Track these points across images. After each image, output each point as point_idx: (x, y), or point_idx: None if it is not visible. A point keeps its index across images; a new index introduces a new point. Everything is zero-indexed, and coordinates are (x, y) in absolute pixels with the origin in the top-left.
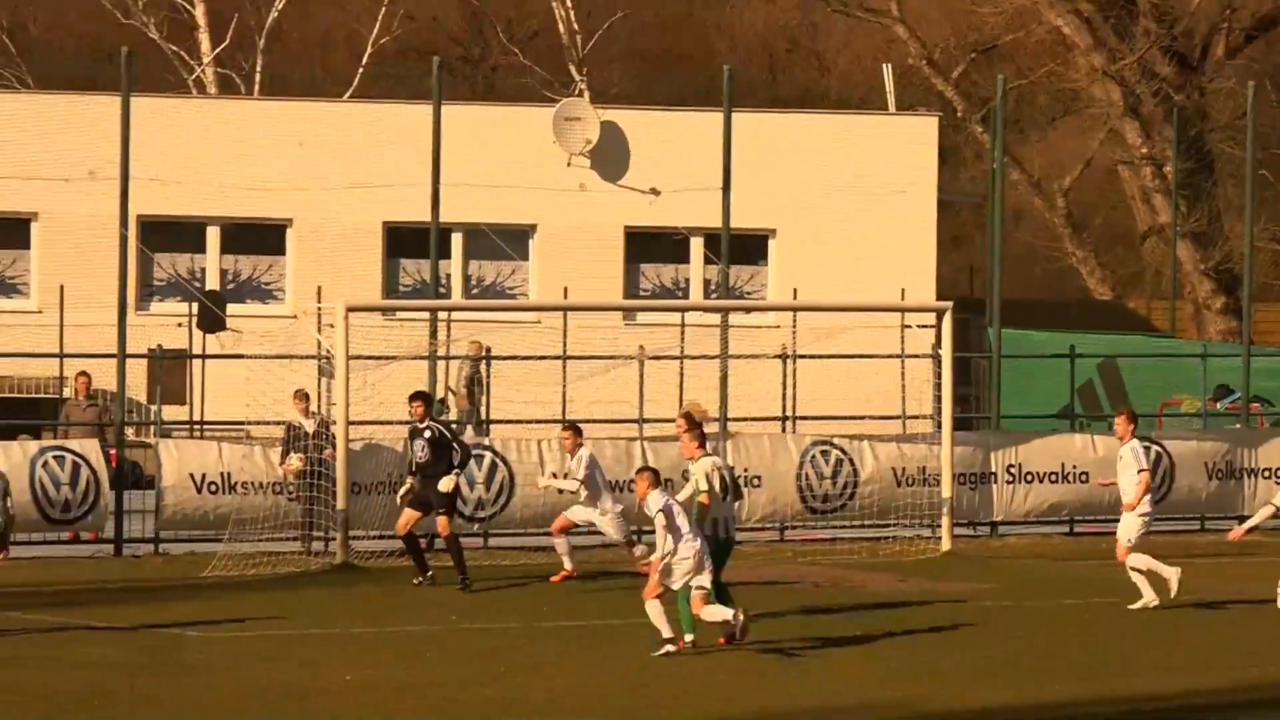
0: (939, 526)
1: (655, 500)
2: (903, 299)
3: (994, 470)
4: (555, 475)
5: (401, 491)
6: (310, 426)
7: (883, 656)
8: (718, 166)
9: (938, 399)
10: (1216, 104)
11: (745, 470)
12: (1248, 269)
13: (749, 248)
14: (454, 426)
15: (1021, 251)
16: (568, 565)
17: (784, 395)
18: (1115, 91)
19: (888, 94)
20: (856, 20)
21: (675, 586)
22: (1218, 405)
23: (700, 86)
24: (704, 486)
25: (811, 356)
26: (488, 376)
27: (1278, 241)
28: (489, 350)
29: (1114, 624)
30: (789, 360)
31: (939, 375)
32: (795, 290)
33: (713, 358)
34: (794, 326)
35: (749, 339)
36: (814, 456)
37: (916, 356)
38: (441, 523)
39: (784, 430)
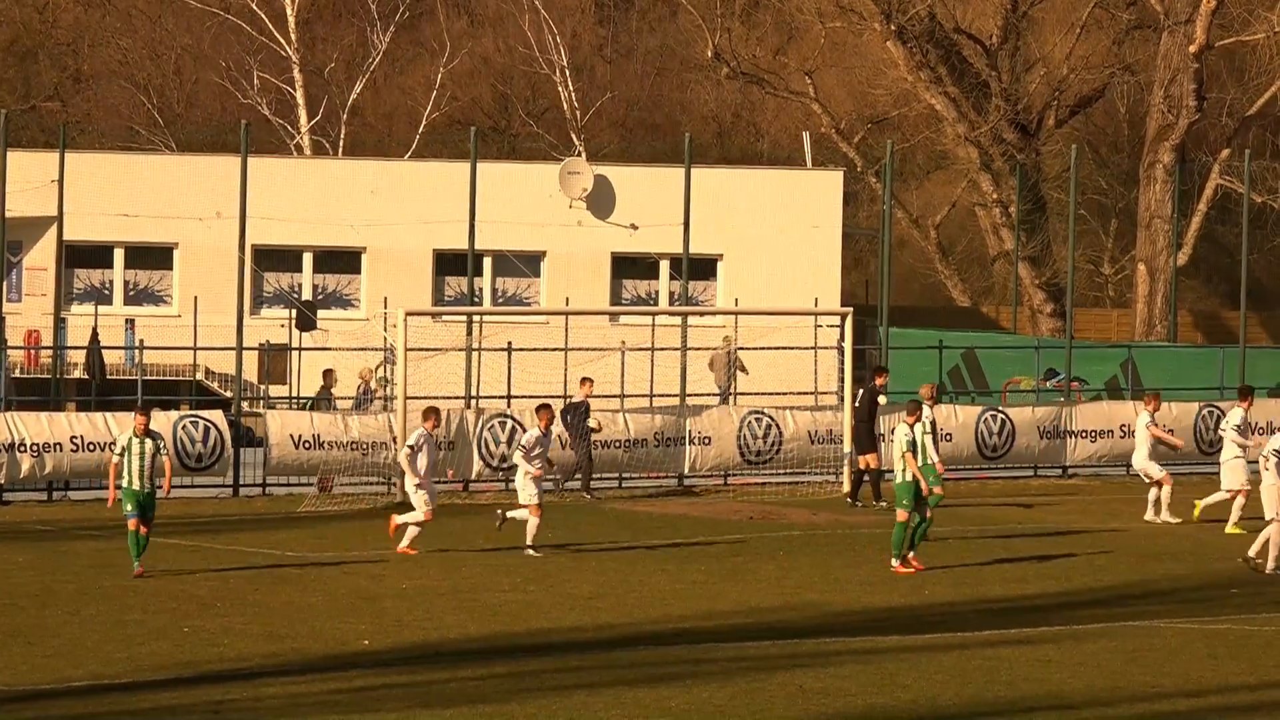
0: (841, 474)
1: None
2: (816, 306)
3: (881, 432)
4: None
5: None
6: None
7: (798, 570)
8: (680, 208)
9: (841, 380)
10: (1048, 162)
11: (699, 432)
12: (1070, 283)
13: (703, 268)
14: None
15: (903, 271)
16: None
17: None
18: (973, 152)
19: (806, 154)
20: (783, 98)
21: None
22: (1047, 384)
23: (668, 148)
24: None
25: (749, 348)
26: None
27: (1092, 263)
28: (509, 344)
29: (970, 544)
30: (732, 351)
31: (842, 362)
32: (737, 299)
33: (675, 349)
34: (736, 326)
35: (702, 335)
36: (750, 422)
37: (826, 348)
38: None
39: (728, 403)
